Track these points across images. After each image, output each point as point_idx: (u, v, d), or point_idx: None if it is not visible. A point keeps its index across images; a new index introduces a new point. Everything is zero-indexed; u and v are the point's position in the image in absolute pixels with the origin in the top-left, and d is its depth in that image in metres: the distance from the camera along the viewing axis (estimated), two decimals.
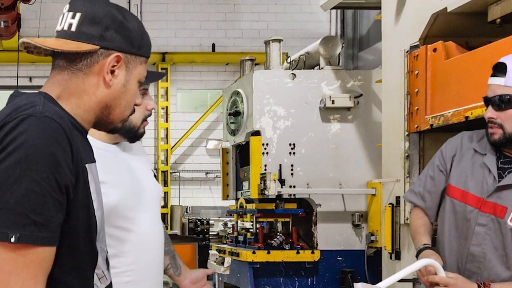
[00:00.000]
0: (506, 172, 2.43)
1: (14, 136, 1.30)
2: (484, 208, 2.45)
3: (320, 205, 5.48)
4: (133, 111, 1.57)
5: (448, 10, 3.38)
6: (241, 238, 5.85)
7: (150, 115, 2.15)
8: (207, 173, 12.65)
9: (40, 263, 1.29)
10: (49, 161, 1.29)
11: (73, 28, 1.45)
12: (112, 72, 1.47)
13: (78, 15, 1.46)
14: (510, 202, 2.40)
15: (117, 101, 1.50)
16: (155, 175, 2.28)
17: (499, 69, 2.36)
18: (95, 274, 1.48)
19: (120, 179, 2.04)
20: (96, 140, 2.04)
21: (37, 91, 1.47)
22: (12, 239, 1.25)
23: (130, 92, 1.51)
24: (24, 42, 1.44)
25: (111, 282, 1.58)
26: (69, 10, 1.47)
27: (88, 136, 1.52)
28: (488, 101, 2.39)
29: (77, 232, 1.37)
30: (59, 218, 1.31)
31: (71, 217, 1.35)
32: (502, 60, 2.36)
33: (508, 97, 2.31)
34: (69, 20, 1.46)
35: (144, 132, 2.14)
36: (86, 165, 1.43)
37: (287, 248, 5.40)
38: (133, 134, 2.10)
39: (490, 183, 2.44)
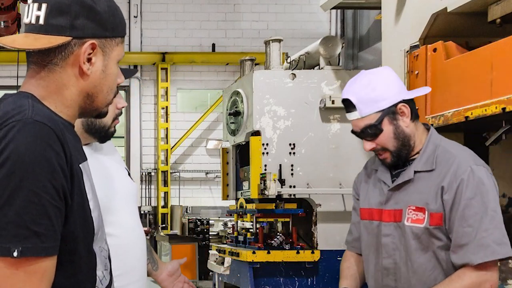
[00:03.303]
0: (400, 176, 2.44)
1: (5, 145, 1.24)
2: (385, 218, 2.45)
3: (320, 205, 5.47)
4: (117, 91, 1.52)
5: (448, 10, 3.38)
6: (241, 238, 5.84)
7: (120, 113, 2.09)
8: (207, 173, 12.65)
9: (43, 274, 1.25)
10: (44, 167, 1.24)
11: (41, 21, 1.37)
12: (89, 60, 1.39)
13: (44, 6, 1.37)
14: (403, 203, 2.39)
15: (98, 88, 1.43)
16: (129, 173, 2.23)
17: (348, 105, 2.47)
18: (97, 277, 1.45)
19: (95, 183, 1.99)
20: None
21: (23, 92, 1.40)
22: (15, 253, 1.21)
23: (110, 76, 1.45)
24: None
25: (111, 281, 1.55)
26: (34, 1, 1.38)
27: None
28: (358, 135, 2.47)
29: (76, 237, 1.33)
30: (59, 225, 1.27)
31: (69, 222, 1.31)
32: (343, 96, 2.47)
33: (371, 126, 2.39)
34: (36, 12, 1.37)
35: (114, 131, 2.07)
36: (80, 165, 1.39)
37: (287, 248, 5.40)
38: (103, 134, 2.03)
39: (386, 192, 2.46)
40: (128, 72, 2.06)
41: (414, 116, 2.43)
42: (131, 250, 2.08)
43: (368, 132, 2.41)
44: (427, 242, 2.33)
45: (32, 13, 1.38)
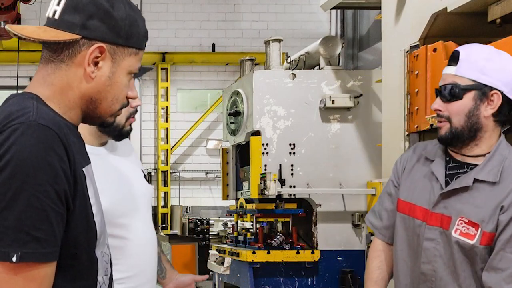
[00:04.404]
0: (454, 178, 2.18)
1: (8, 147, 1.22)
2: (431, 221, 2.21)
3: (320, 205, 5.48)
4: (126, 104, 1.47)
5: (448, 10, 3.38)
6: (241, 238, 5.84)
7: (135, 112, 2.06)
8: (207, 173, 12.65)
9: (42, 280, 1.23)
10: (47, 172, 1.22)
11: (57, 16, 1.37)
12: (96, 63, 1.37)
13: (62, 1, 1.37)
14: (454, 211, 2.15)
15: (102, 95, 1.40)
16: (144, 175, 2.21)
17: (453, 58, 2.17)
18: (97, 282, 1.43)
19: (109, 185, 1.95)
20: None
21: (28, 93, 1.40)
22: (14, 258, 1.19)
23: (117, 85, 1.41)
24: (9, 30, 1.36)
25: (109, 286, 1.53)
26: None
27: None
28: (438, 92, 2.19)
29: (77, 242, 1.32)
30: (60, 231, 1.25)
31: (71, 226, 1.29)
32: (458, 48, 2.18)
33: (456, 87, 2.12)
34: (55, 7, 1.38)
35: (130, 130, 2.04)
36: (83, 169, 1.37)
37: (287, 248, 5.40)
38: (118, 133, 2.01)
39: (436, 192, 2.20)
40: (142, 70, 2.02)
41: (500, 117, 2.15)
42: (141, 253, 2.06)
43: (449, 92, 2.13)
44: (473, 259, 2.15)
45: (52, 7, 1.39)
